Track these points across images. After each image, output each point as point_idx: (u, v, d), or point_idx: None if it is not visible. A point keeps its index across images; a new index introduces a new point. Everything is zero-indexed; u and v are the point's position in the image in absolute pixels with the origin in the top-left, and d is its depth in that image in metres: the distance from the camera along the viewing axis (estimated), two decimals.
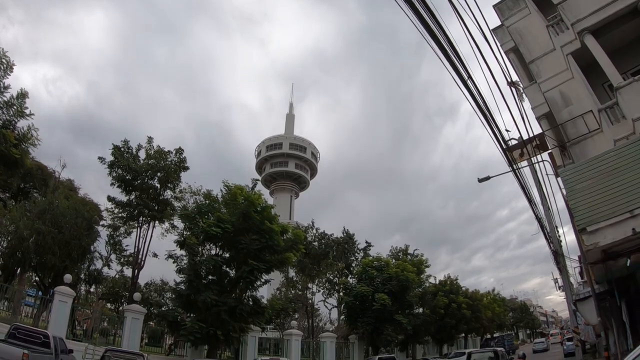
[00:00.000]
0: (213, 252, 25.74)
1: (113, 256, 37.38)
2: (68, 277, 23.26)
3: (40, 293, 28.65)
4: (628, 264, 13.77)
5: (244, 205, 23.77)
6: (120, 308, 34.71)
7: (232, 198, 24.37)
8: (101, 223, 34.27)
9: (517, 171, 17.12)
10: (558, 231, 22.97)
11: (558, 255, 22.52)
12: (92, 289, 42.66)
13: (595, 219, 10.81)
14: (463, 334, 57.28)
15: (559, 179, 19.74)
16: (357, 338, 38.08)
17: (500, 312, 70.67)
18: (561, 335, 62.66)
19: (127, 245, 36.75)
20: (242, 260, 23.71)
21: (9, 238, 29.61)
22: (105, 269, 38.02)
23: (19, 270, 33.11)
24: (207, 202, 25.87)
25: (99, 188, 66.73)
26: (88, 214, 30.94)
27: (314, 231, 43.02)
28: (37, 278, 35.15)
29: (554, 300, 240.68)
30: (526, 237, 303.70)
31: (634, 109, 13.03)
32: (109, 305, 44.20)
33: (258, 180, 28.27)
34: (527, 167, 21.08)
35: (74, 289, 25.37)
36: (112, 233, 35.59)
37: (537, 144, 17.82)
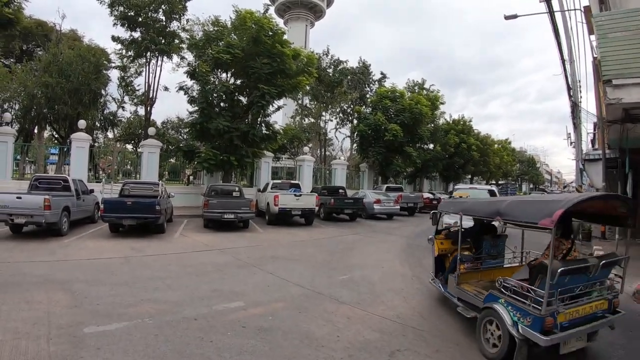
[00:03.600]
0: (224, 80, 25.46)
1: (126, 98, 37.56)
2: (82, 123, 23.60)
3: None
4: None
5: (254, 30, 22.81)
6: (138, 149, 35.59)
7: (242, 22, 23.30)
8: (110, 65, 33.92)
9: (551, 14, 16.17)
10: (580, 86, 22.15)
11: (576, 108, 22.03)
12: (109, 134, 43.38)
13: (624, 73, 10.08)
14: (469, 176, 58.40)
15: (592, 36, 18.78)
16: (368, 167, 38.96)
17: (508, 161, 71.95)
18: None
19: (138, 85, 36.68)
20: (253, 86, 23.40)
21: (20, 100, 29.78)
22: (120, 112, 38.48)
23: (36, 129, 33.62)
24: (216, 29, 24.85)
25: (105, 36, 64.47)
26: (94, 58, 30.41)
27: (329, 58, 41.28)
28: (54, 134, 35.72)
29: (560, 163, 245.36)
30: (546, 92, 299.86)
31: None
32: (129, 147, 44.89)
33: (270, 5, 26.96)
34: (558, 15, 19.78)
35: (91, 135, 25.82)
36: (122, 75, 35.25)
37: None
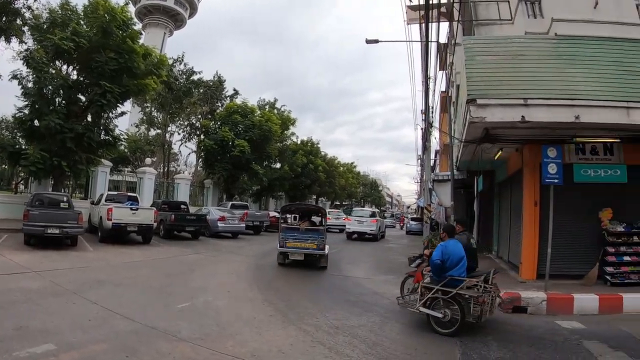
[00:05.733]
0: (64, 72, 22.35)
1: None
2: None
3: None
4: (496, 157, 14.62)
5: (105, 19, 20.41)
6: None
7: (94, 9, 20.78)
8: None
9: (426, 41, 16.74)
10: (433, 110, 23.51)
11: (430, 128, 23.19)
12: None
13: (489, 94, 10.83)
14: (315, 196, 59.64)
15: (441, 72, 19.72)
16: (213, 183, 37.83)
17: (353, 184, 75.12)
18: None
19: None
20: (95, 83, 20.83)
21: None
22: None
23: None
24: (63, 12, 21.62)
25: None
26: None
27: (182, 66, 39.18)
28: None
29: (401, 187, 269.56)
30: (391, 124, 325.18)
31: (557, 9, 13.58)
32: None
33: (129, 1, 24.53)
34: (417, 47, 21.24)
35: None
36: None
37: (443, 11, 17.73)
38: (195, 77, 39.13)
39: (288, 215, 18.27)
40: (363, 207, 72.01)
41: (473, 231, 16.74)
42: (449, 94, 22.49)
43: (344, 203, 71.20)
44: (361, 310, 9.40)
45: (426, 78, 20.59)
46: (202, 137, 38.48)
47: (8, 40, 26.31)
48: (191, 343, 6.48)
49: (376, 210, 37.76)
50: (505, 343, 7.41)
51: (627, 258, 12.17)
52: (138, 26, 23.65)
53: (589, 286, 11.59)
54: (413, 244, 28.31)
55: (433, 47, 20.21)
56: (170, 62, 33.77)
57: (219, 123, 37.11)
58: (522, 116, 10.45)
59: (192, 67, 39.15)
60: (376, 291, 11.64)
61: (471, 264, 8.70)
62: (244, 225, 26.41)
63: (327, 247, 15.05)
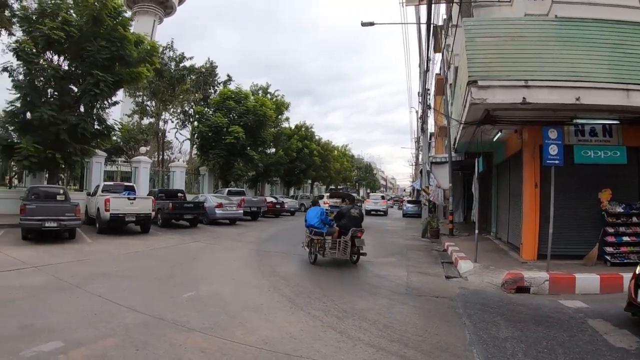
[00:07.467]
0: (55, 63, 21.86)
1: None
2: None
3: None
4: (495, 139, 14.57)
5: (96, 7, 20.18)
6: None
7: None
8: None
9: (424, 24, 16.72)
10: (429, 93, 23.52)
11: (427, 111, 23.28)
12: None
13: (490, 75, 10.78)
14: (310, 181, 59.61)
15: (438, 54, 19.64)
16: (208, 170, 37.60)
17: (348, 167, 75.12)
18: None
19: None
20: (88, 73, 20.55)
21: None
22: None
23: None
24: (53, 1, 21.05)
25: None
26: None
27: (172, 53, 38.88)
28: None
29: (395, 170, 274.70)
30: (385, 107, 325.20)
31: None
32: None
33: None
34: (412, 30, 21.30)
35: None
36: None
37: None
38: (186, 63, 38.64)
39: (334, 198, 24.23)
40: (358, 190, 74.01)
41: (472, 212, 16.85)
42: (446, 76, 22.42)
43: (339, 187, 71.21)
44: (367, 293, 9.35)
45: (427, 59, 20.58)
46: (195, 123, 38.21)
47: None
48: (202, 333, 6.37)
49: (383, 195, 57.27)
50: (513, 322, 7.48)
51: (626, 238, 12.34)
52: (128, 14, 23.26)
53: (589, 266, 11.82)
54: (411, 226, 28.45)
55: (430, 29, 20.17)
56: (160, 50, 33.36)
57: (212, 109, 36.82)
58: (523, 97, 10.41)
59: (183, 53, 38.66)
60: (379, 274, 11.58)
61: (352, 226, 12.40)
62: (242, 211, 26.37)
63: None
